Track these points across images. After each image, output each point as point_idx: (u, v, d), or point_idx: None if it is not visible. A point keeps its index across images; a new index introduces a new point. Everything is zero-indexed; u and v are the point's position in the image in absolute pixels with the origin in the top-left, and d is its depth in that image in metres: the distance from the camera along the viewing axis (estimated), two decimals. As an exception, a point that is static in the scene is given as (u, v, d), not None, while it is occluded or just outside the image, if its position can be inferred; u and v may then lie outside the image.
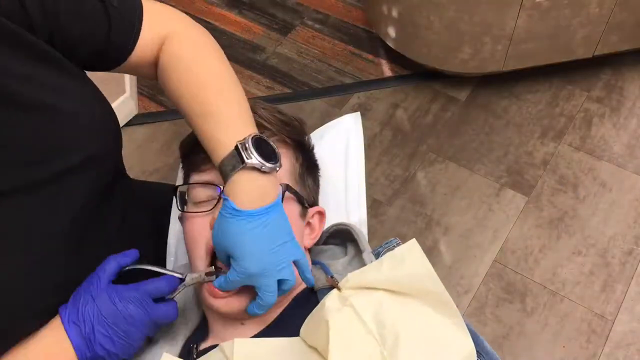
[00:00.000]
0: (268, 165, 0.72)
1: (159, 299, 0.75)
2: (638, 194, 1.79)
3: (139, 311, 0.72)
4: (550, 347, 1.53)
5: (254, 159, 0.71)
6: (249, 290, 0.75)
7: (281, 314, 0.78)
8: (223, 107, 0.77)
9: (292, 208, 0.81)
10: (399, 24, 1.94)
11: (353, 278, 0.74)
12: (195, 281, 0.77)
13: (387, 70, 2.11)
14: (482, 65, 1.92)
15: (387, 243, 0.85)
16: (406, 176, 1.84)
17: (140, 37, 0.78)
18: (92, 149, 0.74)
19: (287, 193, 0.80)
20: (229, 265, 0.73)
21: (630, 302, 1.59)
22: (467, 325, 0.72)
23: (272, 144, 0.75)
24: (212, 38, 0.83)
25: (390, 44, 2.03)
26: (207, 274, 0.77)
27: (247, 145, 0.72)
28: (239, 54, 2.14)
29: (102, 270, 0.74)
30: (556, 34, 1.83)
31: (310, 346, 0.71)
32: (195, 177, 0.83)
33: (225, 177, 0.74)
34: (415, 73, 2.08)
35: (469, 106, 2.00)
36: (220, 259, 0.75)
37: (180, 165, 0.90)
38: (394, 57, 2.10)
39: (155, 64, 0.81)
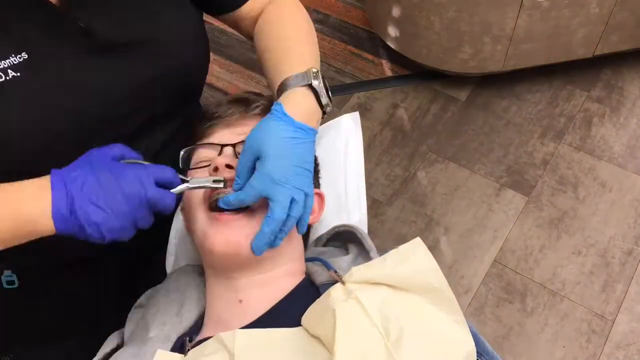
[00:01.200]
0: (326, 96, 0.77)
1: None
2: (638, 194, 1.79)
3: (137, 184, 0.67)
4: (550, 347, 1.53)
5: (320, 83, 0.77)
6: (252, 225, 0.74)
7: (281, 301, 0.78)
8: (300, 47, 0.84)
9: None
10: (399, 24, 1.94)
11: (357, 272, 0.74)
12: (200, 185, 0.72)
13: (387, 70, 2.11)
14: (482, 65, 1.92)
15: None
16: (406, 176, 1.84)
17: None
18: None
19: None
20: (250, 173, 0.73)
21: (630, 302, 1.59)
22: (468, 326, 0.72)
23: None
24: (302, 7, 0.91)
25: (391, 44, 2.03)
26: (215, 182, 0.73)
27: (319, 74, 0.77)
28: (239, 54, 2.14)
29: (109, 148, 0.71)
30: (556, 34, 1.84)
31: (312, 336, 0.71)
32: (199, 143, 0.87)
33: (284, 91, 0.77)
34: (415, 73, 2.08)
35: (469, 106, 2.00)
36: (242, 165, 0.74)
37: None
38: (394, 57, 2.10)
39: (255, 23, 0.90)
